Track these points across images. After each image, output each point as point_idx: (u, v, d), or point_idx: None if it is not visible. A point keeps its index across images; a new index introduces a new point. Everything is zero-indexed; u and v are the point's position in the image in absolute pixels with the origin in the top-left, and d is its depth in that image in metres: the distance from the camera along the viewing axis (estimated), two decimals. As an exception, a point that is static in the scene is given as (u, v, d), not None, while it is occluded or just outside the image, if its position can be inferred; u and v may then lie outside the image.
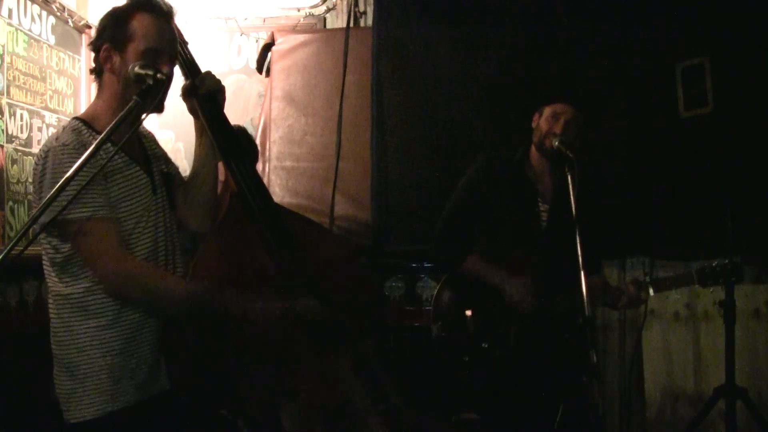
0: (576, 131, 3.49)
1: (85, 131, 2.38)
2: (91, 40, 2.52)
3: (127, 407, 2.38)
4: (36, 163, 2.36)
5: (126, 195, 2.41)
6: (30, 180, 3.90)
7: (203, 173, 2.67)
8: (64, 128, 2.42)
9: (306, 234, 2.76)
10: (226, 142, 2.64)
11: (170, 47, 2.47)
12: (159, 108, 2.42)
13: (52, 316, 2.42)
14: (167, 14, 2.48)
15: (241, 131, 3.81)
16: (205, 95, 2.58)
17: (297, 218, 2.89)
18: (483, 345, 3.50)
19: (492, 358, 3.48)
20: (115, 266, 2.32)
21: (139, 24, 2.40)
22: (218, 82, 2.60)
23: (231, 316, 2.37)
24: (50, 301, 2.43)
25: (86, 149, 2.26)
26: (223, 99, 2.63)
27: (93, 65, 2.50)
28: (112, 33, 2.42)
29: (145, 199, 2.47)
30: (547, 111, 3.54)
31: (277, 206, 2.76)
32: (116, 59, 2.42)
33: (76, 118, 2.46)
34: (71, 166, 2.15)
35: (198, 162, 2.68)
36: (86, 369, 2.36)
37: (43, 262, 2.43)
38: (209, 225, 2.71)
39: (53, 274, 2.40)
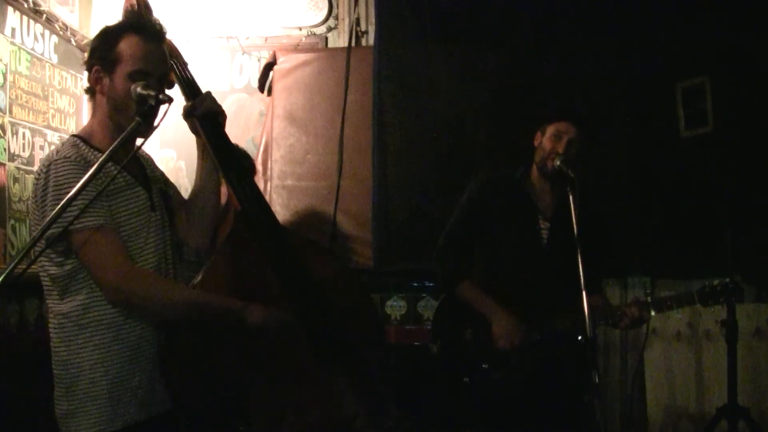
0: (578, 150, 3.49)
1: (83, 146, 2.41)
2: (85, 59, 2.55)
3: (128, 427, 2.38)
4: (37, 178, 2.37)
5: (128, 213, 2.43)
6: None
7: (205, 192, 2.69)
8: (62, 144, 2.45)
9: (306, 252, 2.78)
10: (228, 161, 2.65)
11: (159, 69, 2.48)
12: (145, 134, 2.39)
13: (52, 335, 2.42)
14: (156, 36, 2.50)
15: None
16: (205, 116, 2.59)
17: (297, 237, 2.91)
18: (483, 366, 3.49)
19: (493, 379, 3.47)
20: (120, 271, 2.33)
21: (127, 46, 2.42)
22: (217, 104, 2.61)
23: (232, 321, 2.42)
24: (51, 320, 2.43)
25: (87, 162, 2.33)
26: (224, 119, 2.65)
27: (87, 84, 2.53)
28: (101, 54, 2.44)
29: (144, 216, 2.48)
30: (550, 130, 3.53)
31: (279, 224, 2.78)
32: (106, 81, 2.44)
33: (73, 135, 2.49)
34: (74, 178, 2.23)
35: (200, 180, 2.70)
36: (87, 388, 2.35)
37: (43, 281, 2.43)
38: (206, 244, 2.73)
39: (54, 293, 2.40)
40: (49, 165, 2.33)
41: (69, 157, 2.33)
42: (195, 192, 2.71)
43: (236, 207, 2.69)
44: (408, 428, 2.81)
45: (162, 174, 2.75)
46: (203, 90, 2.69)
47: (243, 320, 2.41)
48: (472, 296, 3.57)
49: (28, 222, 3.92)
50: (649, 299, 3.52)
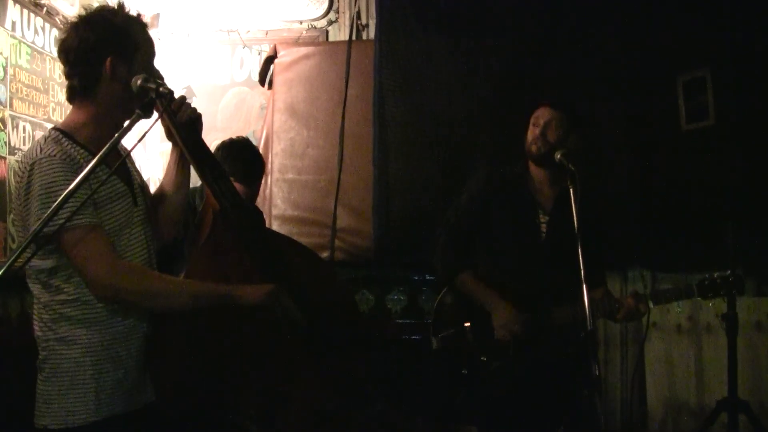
0: (560, 132, 3.48)
1: (66, 142, 2.35)
2: (80, 57, 2.42)
3: (112, 417, 2.37)
4: (20, 177, 2.32)
5: (116, 219, 2.41)
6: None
7: (176, 194, 2.70)
8: (45, 139, 2.37)
9: (287, 251, 2.80)
10: (205, 164, 2.65)
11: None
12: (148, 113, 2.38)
13: (38, 323, 2.40)
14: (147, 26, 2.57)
15: (246, 145, 3.80)
16: (185, 123, 2.54)
17: (277, 236, 2.93)
18: (482, 358, 3.50)
19: (491, 371, 3.48)
20: (109, 267, 2.32)
21: (139, 35, 2.45)
22: (196, 111, 2.57)
23: (222, 303, 2.43)
24: (37, 309, 2.41)
25: (72, 159, 2.30)
26: (201, 126, 2.60)
27: (77, 84, 2.42)
28: (117, 43, 2.40)
29: (126, 209, 2.46)
30: (531, 119, 3.57)
31: (260, 223, 2.80)
32: (123, 69, 2.39)
33: (55, 128, 2.43)
34: (61, 177, 2.22)
35: (171, 184, 2.70)
36: (73, 376, 2.34)
37: (28, 273, 2.38)
38: (173, 235, 2.76)
39: (39, 283, 2.37)
40: (32, 164, 2.28)
41: (54, 156, 2.28)
42: (167, 194, 2.70)
43: (215, 207, 2.69)
44: (391, 419, 2.83)
45: (138, 170, 2.73)
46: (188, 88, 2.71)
47: (238, 301, 2.42)
48: (471, 287, 3.58)
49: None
50: (647, 291, 3.52)
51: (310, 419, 2.61)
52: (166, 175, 2.73)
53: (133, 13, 2.51)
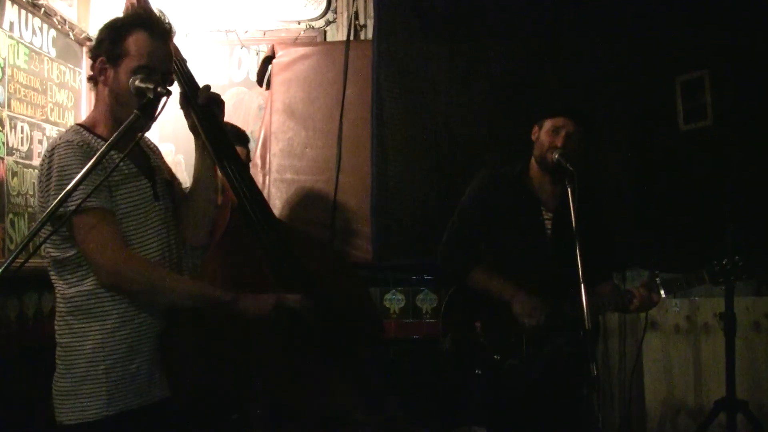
0: (576, 144, 3.51)
1: (87, 133, 2.46)
2: (91, 47, 2.60)
3: (124, 412, 2.41)
4: (41, 164, 2.43)
5: (130, 202, 2.47)
6: (31, 192, 3.93)
7: (201, 189, 2.72)
8: (66, 131, 2.50)
9: (303, 247, 2.79)
10: (226, 156, 2.66)
11: (164, 66, 2.53)
12: (144, 126, 2.41)
13: (57, 317, 2.48)
14: (164, 34, 2.56)
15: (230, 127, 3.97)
16: (205, 108, 2.62)
17: (294, 232, 2.92)
18: (495, 357, 3.49)
19: (505, 369, 3.47)
20: (116, 255, 2.37)
21: (135, 42, 2.47)
22: (217, 95, 2.65)
23: (224, 310, 2.45)
24: (58, 302, 2.48)
25: (90, 147, 2.39)
26: (222, 112, 2.67)
27: (91, 73, 2.58)
28: (108, 46, 2.48)
29: (147, 206, 2.51)
30: (548, 124, 3.55)
31: (276, 219, 2.79)
32: (110, 73, 2.49)
33: (77, 123, 2.55)
34: (77, 162, 2.30)
35: (196, 179, 2.73)
36: (85, 371, 2.40)
37: (48, 269, 2.48)
38: (204, 240, 2.76)
39: (60, 277, 2.45)
40: (53, 150, 2.38)
41: (72, 142, 2.37)
42: (192, 190, 2.74)
43: (234, 201, 2.70)
44: (404, 421, 2.83)
45: (168, 167, 2.79)
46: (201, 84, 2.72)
47: (234, 311, 2.45)
48: (486, 281, 3.58)
49: (27, 216, 3.94)
50: (658, 281, 3.52)
51: (320, 425, 2.60)
52: (194, 173, 2.77)
53: (156, 23, 2.54)
